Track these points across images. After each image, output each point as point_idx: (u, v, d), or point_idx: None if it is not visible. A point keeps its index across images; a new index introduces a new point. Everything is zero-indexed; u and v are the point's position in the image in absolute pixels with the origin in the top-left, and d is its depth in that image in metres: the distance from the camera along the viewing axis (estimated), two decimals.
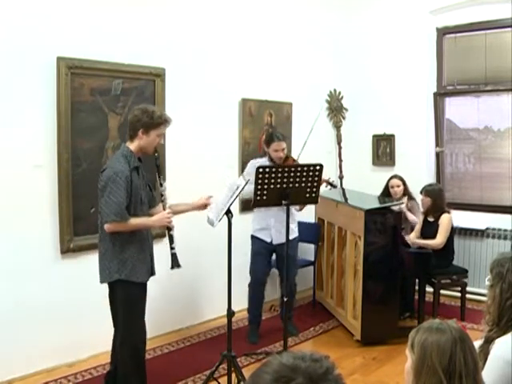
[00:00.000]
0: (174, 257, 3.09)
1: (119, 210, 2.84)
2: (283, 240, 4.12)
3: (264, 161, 4.17)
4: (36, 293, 3.54)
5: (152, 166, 3.18)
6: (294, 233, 4.26)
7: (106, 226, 2.88)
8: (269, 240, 4.21)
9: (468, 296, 4.82)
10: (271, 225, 4.17)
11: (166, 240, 3.16)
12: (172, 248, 3.09)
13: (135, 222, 2.94)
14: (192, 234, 4.40)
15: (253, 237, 4.27)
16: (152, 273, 3.15)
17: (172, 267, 3.11)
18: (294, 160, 4.21)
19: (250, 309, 4.36)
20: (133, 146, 2.99)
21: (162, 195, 3.13)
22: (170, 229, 3.09)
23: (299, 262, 5.02)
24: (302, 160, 4.36)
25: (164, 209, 3.10)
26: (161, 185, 3.13)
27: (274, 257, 4.34)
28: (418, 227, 4.84)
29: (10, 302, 3.43)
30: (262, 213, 4.13)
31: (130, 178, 2.91)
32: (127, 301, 2.97)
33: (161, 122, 2.99)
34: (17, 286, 3.46)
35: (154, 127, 2.96)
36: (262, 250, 4.23)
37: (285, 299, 3.51)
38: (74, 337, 3.67)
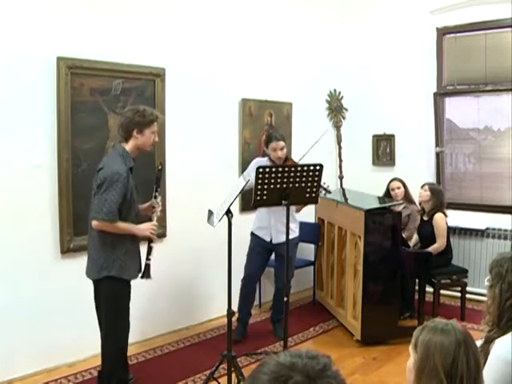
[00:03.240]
0: (147, 267, 3.16)
1: (111, 209, 2.90)
2: (283, 239, 4.13)
3: (265, 160, 4.17)
4: (36, 293, 3.54)
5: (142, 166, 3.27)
6: (294, 233, 4.23)
7: (94, 223, 2.94)
8: (268, 239, 4.21)
9: (468, 296, 4.83)
10: (271, 224, 4.17)
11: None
12: (148, 259, 3.16)
13: (122, 225, 2.99)
14: (192, 233, 4.40)
15: (252, 234, 4.28)
16: (140, 270, 3.21)
17: (142, 277, 3.18)
18: (293, 162, 4.18)
19: (239, 306, 4.30)
20: (128, 146, 3.06)
21: (153, 207, 3.23)
22: (151, 240, 3.17)
23: (299, 262, 5.03)
24: (303, 160, 4.36)
25: (151, 220, 3.19)
26: (155, 197, 3.22)
27: (272, 256, 4.34)
28: (415, 237, 4.94)
29: (10, 302, 3.43)
30: (263, 211, 4.16)
31: (127, 178, 2.97)
32: (113, 298, 3.04)
33: (153, 119, 3.07)
34: (17, 285, 3.46)
35: (147, 125, 3.05)
36: (258, 248, 4.22)
37: (285, 299, 3.49)
38: (74, 337, 3.66)
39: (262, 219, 4.21)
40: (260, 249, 4.23)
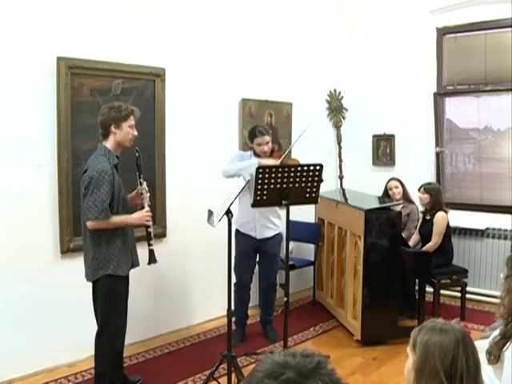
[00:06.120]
0: (151, 253, 3.20)
1: (102, 208, 2.94)
2: (267, 235, 4.13)
3: (249, 154, 4.09)
4: (36, 293, 3.54)
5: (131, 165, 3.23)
6: (277, 229, 4.17)
7: (89, 224, 2.97)
8: (254, 234, 4.10)
9: (468, 296, 4.83)
10: (256, 218, 4.06)
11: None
12: (150, 244, 3.20)
13: (116, 219, 3.03)
14: (192, 233, 4.41)
15: (238, 232, 4.13)
16: (133, 265, 3.23)
17: (149, 263, 3.21)
18: (280, 154, 4.04)
19: (234, 309, 4.22)
20: (109, 143, 3.08)
21: (141, 194, 3.22)
22: (148, 226, 3.19)
23: (299, 262, 5.04)
24: (301, 160, 4.34)
25: (143, 207, 3.19)
26: (140, 183, 3.22)
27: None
28: (415, 237, 4.94)
29: (10, 302, 3.43)
30: (246, 207, 3.96)
31: (113, 176, 2.99)
32: (110, 295, 3.05)
33: (128, 113, 3.09)
34: (17, 285, 3.46)
35: (124, 119, 3.07)
36: (246, 250, 4.12)
37: (285, 299, 3.48)
38: (74, 337, 3.66)
39: (246, 214, 4.06)
40: (248, 250, 4.13)
